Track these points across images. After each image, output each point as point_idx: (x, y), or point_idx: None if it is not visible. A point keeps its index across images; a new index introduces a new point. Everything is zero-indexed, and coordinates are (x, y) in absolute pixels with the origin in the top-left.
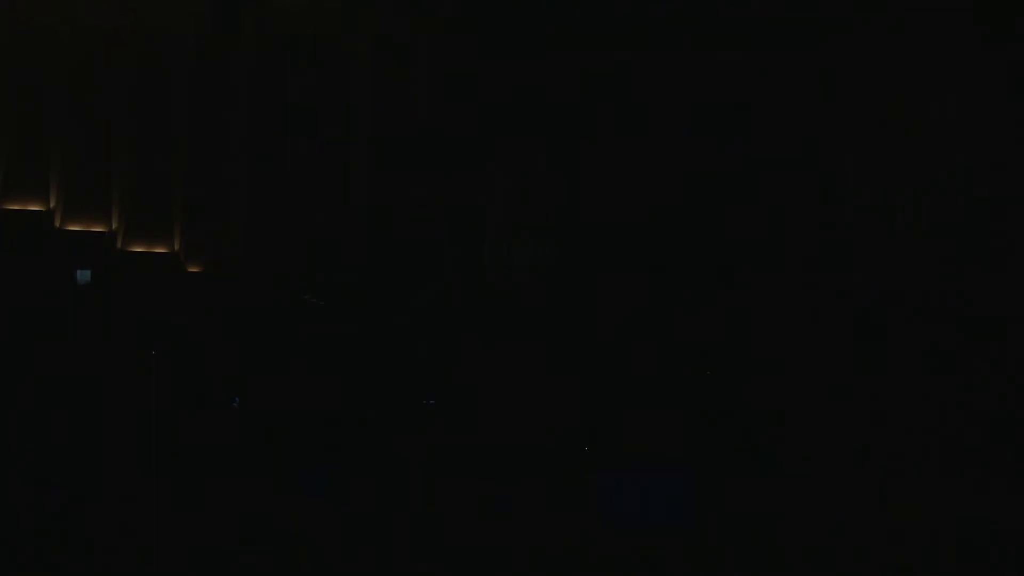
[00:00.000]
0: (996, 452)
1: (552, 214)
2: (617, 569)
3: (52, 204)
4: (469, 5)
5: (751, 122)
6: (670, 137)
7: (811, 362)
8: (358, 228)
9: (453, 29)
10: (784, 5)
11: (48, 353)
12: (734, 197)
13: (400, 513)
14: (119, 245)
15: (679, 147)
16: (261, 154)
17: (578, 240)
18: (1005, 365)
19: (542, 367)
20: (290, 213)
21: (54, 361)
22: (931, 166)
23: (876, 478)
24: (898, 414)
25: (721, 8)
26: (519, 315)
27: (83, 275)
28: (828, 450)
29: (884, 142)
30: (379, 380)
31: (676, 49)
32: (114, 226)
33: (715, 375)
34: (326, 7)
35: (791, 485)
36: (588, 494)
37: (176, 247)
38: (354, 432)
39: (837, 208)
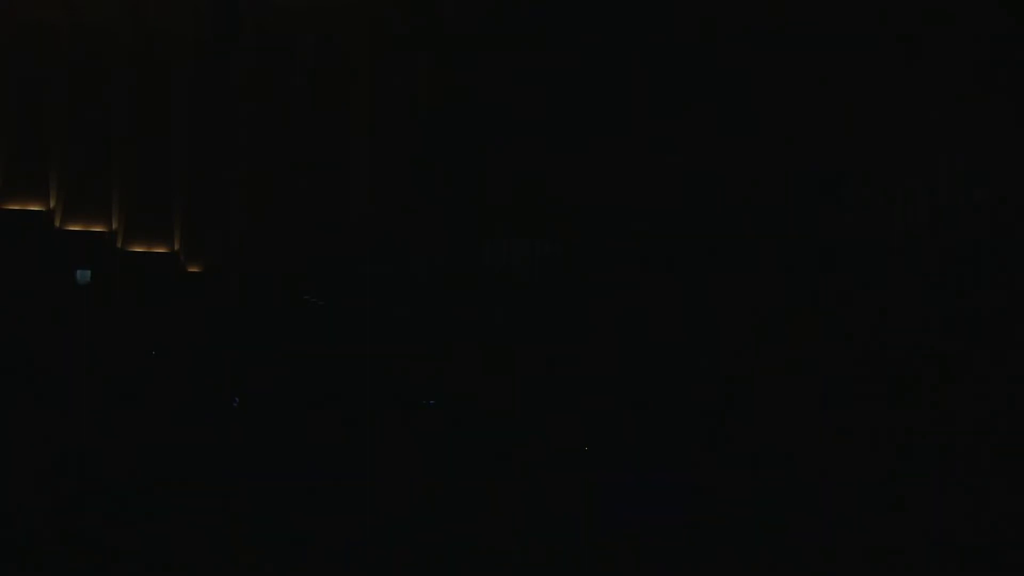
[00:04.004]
0: (996, 453)
1: (552, 211)
2: (617, 569)
3: (52, 204)
4: (470, 4)
5: (751, 122)
6: (670, 136)
7: (810, 362)
8: (358, 227)
9: (453, 28)
10: (787, 7)
11: (48, 353)
12: (733, 197)
13: (398, 513)
14: (119, 245)
15: (678, 145)
16: (261, 154)
17: (577, 237)
18: (1006, 366)
19: (541, 364)
20: (290, 213)
21: (54, 361)
22: (931, 166)
23: (876, 479)
24: (897, 415)
25: (723, 9)
26: (518, 312)
27: (83, 275)
28: (827, 450)
29: (884, 142)
30: (377, 379)
31: (676, 48)
32: (114, 226)
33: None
34: (326, 7)
35: (789, 485)
36: (588, 494)
37: (176, 247)
38: (352, 431)
39: (837, 208)
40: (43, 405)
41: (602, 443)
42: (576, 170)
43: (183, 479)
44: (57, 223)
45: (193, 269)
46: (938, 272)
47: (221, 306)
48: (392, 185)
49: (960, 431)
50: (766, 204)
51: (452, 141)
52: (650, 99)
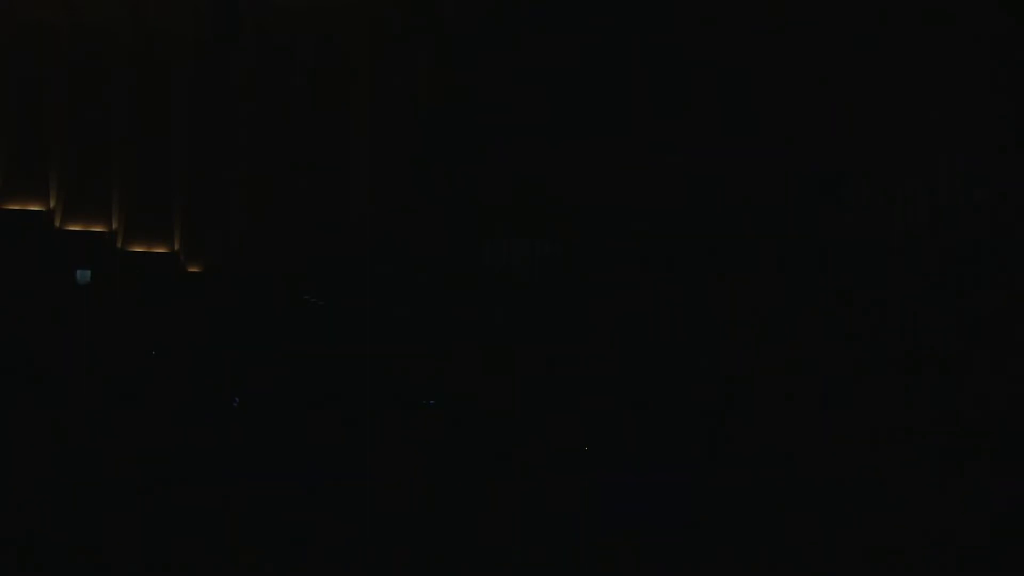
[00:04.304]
0: (996, 453)
1: (552, 211)
2: (617, 569)
3: (52, 204)
4: (470, 4)
5: (751, 122)
6: (670, 136)
7: (810, 362)
8: (358, 227)
9: (453, 28)
10: (787, 7)
11: (48, 353)
12: (733, 197)
13: (398, 513)
14: (119, 245)
15: (678, 145)
16: (261, 154)
17: (577, 237)
18: (1006, 366)
19: (541, 364)
20: (290, 213)
21: (54, 361)
22: (931, 166)
23: (876, 479)
24: (896, 416)
25: (723, 9)
26: (518, 312)
27: (83, 275)
28: (827, 450)
29: (884, 142)
30: (377, 379)
31: (676, 48)
32: (114, 226)
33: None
34: (326, 7)
35: (789, 485)
36: (588, 494)
37: (176, 247)
38: (352, 431)
39: (837, 208)
40: (43, 405)
41: (602, 443)
42: (576, 170)
43: (183, 479)
44: (57, 223)
45: (193, 269)
46: (938, 272)
47: (221, 306)
48: (392, 185)
49: (960, 431)
50: (766, 204)
51: (452, 141)
52: (650, 99)
